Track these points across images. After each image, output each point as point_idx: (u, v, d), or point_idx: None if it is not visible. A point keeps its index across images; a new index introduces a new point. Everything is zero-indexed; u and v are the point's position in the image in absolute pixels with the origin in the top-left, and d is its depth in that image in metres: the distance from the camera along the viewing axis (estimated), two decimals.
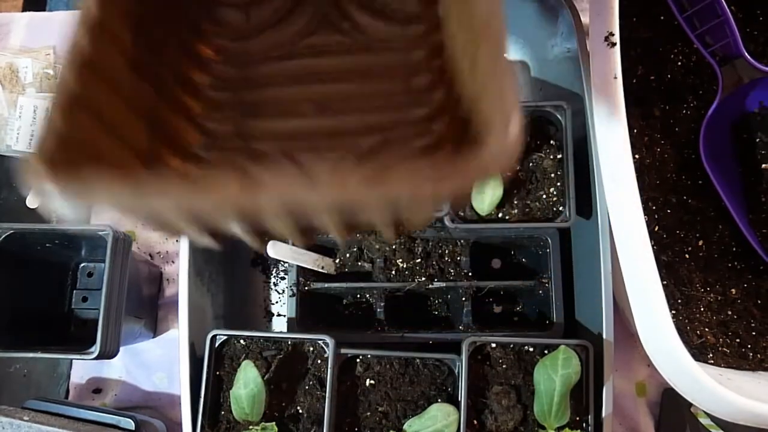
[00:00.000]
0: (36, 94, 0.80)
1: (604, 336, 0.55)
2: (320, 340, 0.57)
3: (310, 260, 0.65)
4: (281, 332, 0.68)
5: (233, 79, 0.41)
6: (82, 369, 0.74)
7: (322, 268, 0.66)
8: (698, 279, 0.60)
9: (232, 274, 0.72)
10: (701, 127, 0.63)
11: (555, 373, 0.52)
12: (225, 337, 0.59)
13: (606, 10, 0.53)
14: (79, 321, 0.71)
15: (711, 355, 0.55)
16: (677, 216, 0.63)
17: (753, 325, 0.59)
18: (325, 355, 0.57)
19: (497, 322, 0.68)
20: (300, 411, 0.57)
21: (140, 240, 0.77)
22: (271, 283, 0.75)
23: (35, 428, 0.57)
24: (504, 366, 0.56)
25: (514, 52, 0.79)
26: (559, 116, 0.60)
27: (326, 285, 0.65)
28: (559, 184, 0.59)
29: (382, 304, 0.65)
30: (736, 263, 0.63)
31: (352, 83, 0.41)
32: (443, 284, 0.64)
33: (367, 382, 0.57)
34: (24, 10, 0.87)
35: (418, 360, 0.57)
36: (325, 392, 0.55)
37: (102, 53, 0.31)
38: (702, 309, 0.59)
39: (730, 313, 0.60)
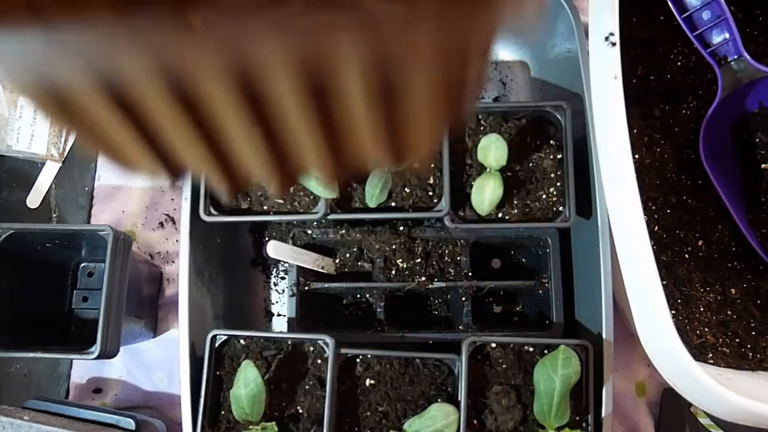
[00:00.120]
0: None
1: (604, 336, 0.55)
2: (320, 340, 0.57)
3: (310, 260, 0.65)
4: (281, 332, 0.68)
5: None
6: (83, 369, 0.74)
7: (322, 268, 0.66)
8: (698, 279, 0.60)
9: (232, 274, 0.72)
10: (701, 127, 0.63)
11: (555, 373, 0.52)
12: (225, 337, 0.59)
13: (606, 10, 0.53)
14: (80, 321, 0.71)
15: (711, 354, 0.56)
16: (677, 216, 0.63)
17: (753, 325, 0.59)
18: (325, 355, 0.57)
19: (497, 322, 0.68)
20: (300, 411, 0.57)
21: (140, 240, 0.77)
22: (271, 283, 0.75)
23: (35, 428, 0.57)
24: (504, 366, 0.56)
25: (514, 52, 0.79)
26: (559, 116, 0.60)
27: (326, 285, 0.65)
28: (559, 184, 0.60)
29: (382, 304, 0.65)
30: (735, 263, 0.63)
31: None
32: (443, 284, 0.64)
33: (367, 382, 0.57)
34: None
35: (418, 360, 0.58)
36: (325, 392, 0.55)
37: None
38: (702, 309, 0.59)
39: (729, 313, 0.60)
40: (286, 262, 0.66)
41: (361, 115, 0.22)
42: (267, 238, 0.72)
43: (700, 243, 0.63)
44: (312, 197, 0.60)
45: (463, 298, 0.64)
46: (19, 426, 0.57)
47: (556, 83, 0.71)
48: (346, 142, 0.23)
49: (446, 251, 0.66)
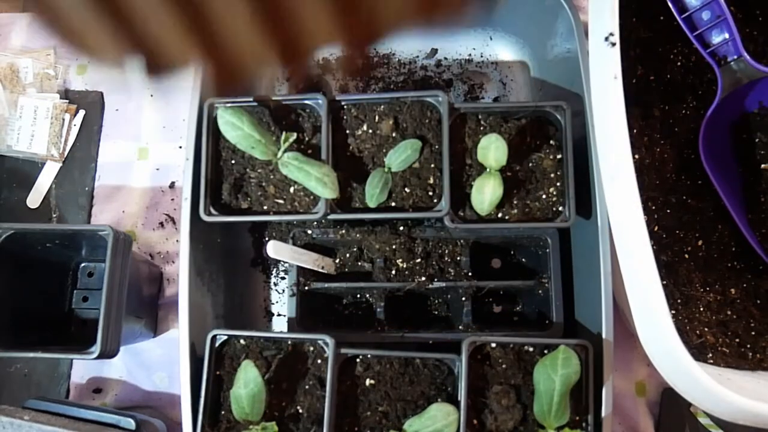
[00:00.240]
0: (36, 94, 0.80)
1: (604, 336, 0.55)
2: (320, 340, 0.57)
3: (310, 260, 0.65)
4: (281, 332, 0.68)
5: None
6: (83, 369, 0.74)
7: (322, 268, 0.66)
8: (698, 279, 0.60)
9: (232, 274, 0.72)
10: (701, 127, 0.63)
11: (555, 372, 0.52)
12: (225, 337, 0.59)
13: (606, 10, 0.53)
14: (80, 321, 0.71)
15: (710, 354, 0.56)
16: (677, 216, 0.63)
17: (752, 324, 0.59)
18: (325, 355, 0.57)
19: (497, 322, 0.68)
20: (300, 411, 0.57)
21: (140, 240, 0.77)
22: (271, 283, 0.75)
23: (36, 428, 0.57)
24: (504, 366, 0.56)
25: (514, 52, 0.79)
26: (559, 116, 0.60)
27: (326, 285, 0.65)
28: (559, 184, 0.60)
29: (382, 304, 0.65)
30: (735, 263, 0.63)
31: None
32: (443, 284, 0.64)
33: (367, 381, 0.57)
34: (24, 10, 0.87)
35: (418, 360, 0.58)
36: (325, 392, 0.55)
37: None
38: (701, 309, 0.59)
39: (729, 312, 0.60)
40: (286, 262, 0.66)
41: None
42: (267, 238, 0.73)
43: (700, 243, 0.63)
44: (312, 197, 0.60)
45: (463, 298, 0.64)
46: (20, 426, 0.57)
47: (556, 83, 0.71)
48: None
49: (446, 251, 0.66)
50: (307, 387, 0.57)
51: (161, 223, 0.77)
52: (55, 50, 0.83)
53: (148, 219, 0.78)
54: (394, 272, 0.65)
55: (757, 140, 0.64)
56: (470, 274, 0.65)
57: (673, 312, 0.57)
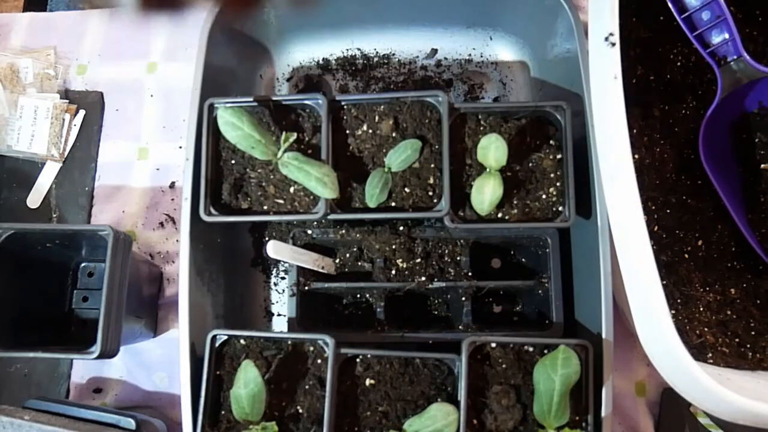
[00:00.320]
0: (36, 94, 0.80)
1: (604, 336, 0.55)
2: (320, 340, 0.57)
3: (310, 260, 0.65)
4: (281, 332, 0.68)
5: None
6: (83, 369, 0.74)
7: (322, 268, 0.66)
8: (698, 279, 0.60)
9: (232, 274, 0.72)
10: (701, 127, 0.63)
11: (555, 372, 0.52)
12: (225, 337, 0.59)
13: (606, 10, 0.53)
14: (80, 321, 0.71)
15: (710, 354, 0.56)
16: (677, 216, 0.63)
17: (752, 324, 0.59)
18: (325, 355, 0.57)
19: (497, 322, 0.68)
20: (300, 411, 0.57)
21: (140, 240, 0.77)
22: (271, 283, 0.75)
23: (36, 428, 0.57)
24: (504, 366, 0.56)
25: (514, 52, 0.79)
26: (559, 116, 0.60)
27: (326, 285, 0.65)
28: (558, 184, 0.60)
29: (382, 304, 0.65)
30: (735, 263, 0.63)
31: None
32: (443, 284, 0.64)
33: (367, 381, 0.57)
34: (25, 10, 0.87)
35: (418, 360, 0.58)
36: (325, 392, 0.55)
37: None
38: (701, 309, 0.59)
39: (729, 312, 0.60)
40: (286, 262, 0.66)
41: None
42: (267, 238, 0.73)
43: (699, 243, 0.63)
44: (312, 197, 0.60)
45: (463, 298, 0.64)
46: (20, 426, 0.57)
47: (556, 83, 0.71)
48: None
49: (446, 251, 0.66)
50: (307, 387, 0.57)
51: (161, 223, 0.77)
52: (55, 50, 0.83)
53: (148, 219, 0.78)
54: (394, 272, 0.66)
55: (757, 140, 0.64)
56: (470, 274, 0.65)
57: (673, 312, 0.57)
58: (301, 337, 0.58)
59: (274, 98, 0.62)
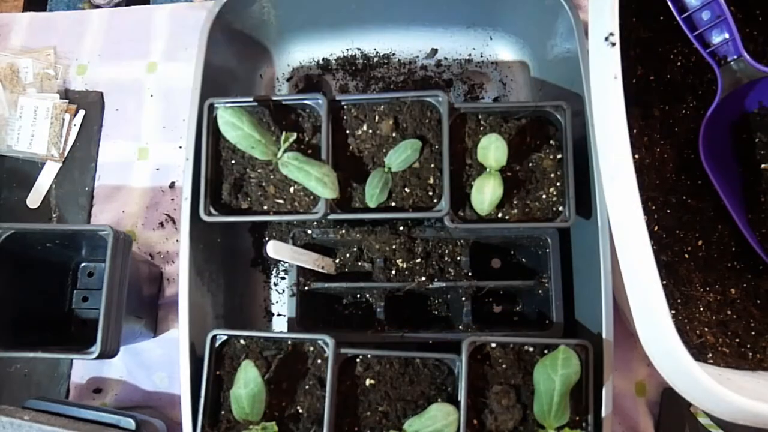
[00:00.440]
0: (36, 94, 0.80)
1: (604, 336, 0.55)
2: (320, 340, 0.57)
3: (310, 260, 0.65)
4: (281, 332, 0.68)
5: None
6: (83, 369, 0.74)
7: (322, 268, 0.66)
8: (698, 279, 0.60)
9: (232, 274, 0.72)
10: (701, 127, 0.63)
11: (555, 372, 0.52)
12: (225, 337, 0.59)
13: (606, 10, 0.53)
14: (80, 321, 0.71)
15: (710, 354, 0.56)
16: (677, 216, 0.63)
17: (752, 324, 0.59)
18: (325, 355, 0.57)
19: (497, 322, 0.68)
20: (300, 411, 0.57)
21: (140, 240, 0.77)
22: (271, 283, 0.75)
23: (36, 428, 0.57)
24: (504, 366, 0.56)
25: (514, 53, 0.79)
26: (559, 116, 0.60)
27: (326, 285, 0.65)
28: (558, 184, 0.60)
29: (382, 304, 0.65)
30: (735, 263, 0.63)
31: None
32: (443, 284, 0.64)
33: (367, 381, 0.57)
34: (25, 10, 0.87)
35: (418, 360, 0.58)
36: (325, 392, 0.55)
37: None
38: (701, 309, 0.59)
39: (729, 312, 0.60)
40: (286, 262, 0.66)
41: None
42: (267, 238, 0.73)
43: (700, 243, 0.63)
44: (312, 197, 0.60)
45: (463, 298, 0.64)
46: (20, 426, 0.57)
47: (556, 83, 0.71)
48: None
49: (446, 251, 0.66)
50: (307, 387, 0.57)
51: (161, 223, 0.77)
52: (55, 50, 0.83)
53: (148, 219, 0.78)
54: (394, 272, 0.65)
55: (757, 140, 0.64)
56: (470, 274, 0.65)
57: (673, 312, 0.57)
58: (301, 337, 0.58)
59: (274, 98, 0.62)
